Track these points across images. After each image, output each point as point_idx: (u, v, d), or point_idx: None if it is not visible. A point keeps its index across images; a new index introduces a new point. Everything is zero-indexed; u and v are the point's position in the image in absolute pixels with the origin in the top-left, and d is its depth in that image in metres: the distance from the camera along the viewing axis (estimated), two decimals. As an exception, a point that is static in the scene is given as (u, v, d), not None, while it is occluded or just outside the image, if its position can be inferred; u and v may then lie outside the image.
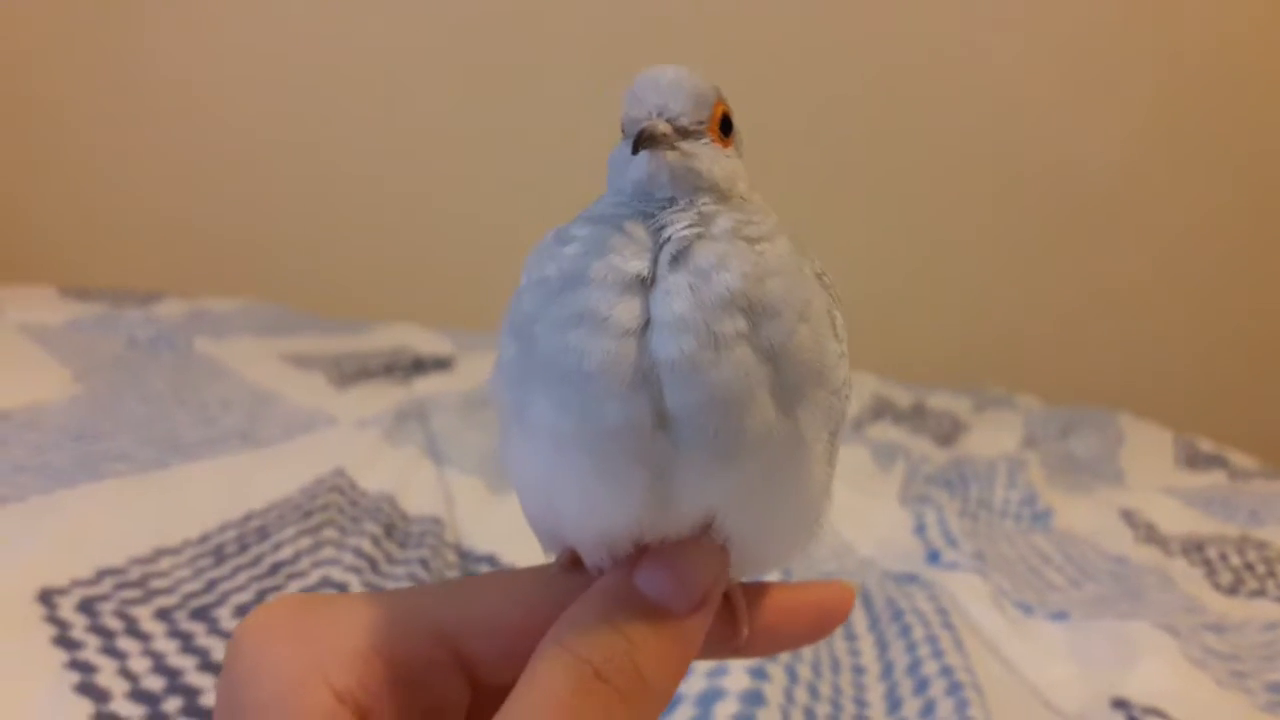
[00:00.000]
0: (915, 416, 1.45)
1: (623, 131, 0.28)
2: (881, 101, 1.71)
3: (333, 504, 0.85)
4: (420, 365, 1.34)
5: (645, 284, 0.25)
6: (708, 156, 0.27)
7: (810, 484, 0.27)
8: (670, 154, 0.27)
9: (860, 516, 0.99)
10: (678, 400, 0.25)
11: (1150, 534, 1.05)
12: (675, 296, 0.25)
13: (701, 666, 0.60)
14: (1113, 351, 1.81)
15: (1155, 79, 1.68)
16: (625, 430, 0.25)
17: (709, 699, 0.58)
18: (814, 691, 0.64)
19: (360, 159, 1.81)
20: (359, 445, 0.99)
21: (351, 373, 1.25)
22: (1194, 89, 1.68)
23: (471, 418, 1.13)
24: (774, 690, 0.59)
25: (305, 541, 0.78)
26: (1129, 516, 1.09)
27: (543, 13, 1.69)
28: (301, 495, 0.86)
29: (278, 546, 0.77)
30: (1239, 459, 1.38)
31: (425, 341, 1.45)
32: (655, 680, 0.25)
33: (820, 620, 0.31)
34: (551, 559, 0.31)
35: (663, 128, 0.27)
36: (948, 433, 1.40)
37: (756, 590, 0.31)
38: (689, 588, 0.26)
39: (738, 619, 0.30)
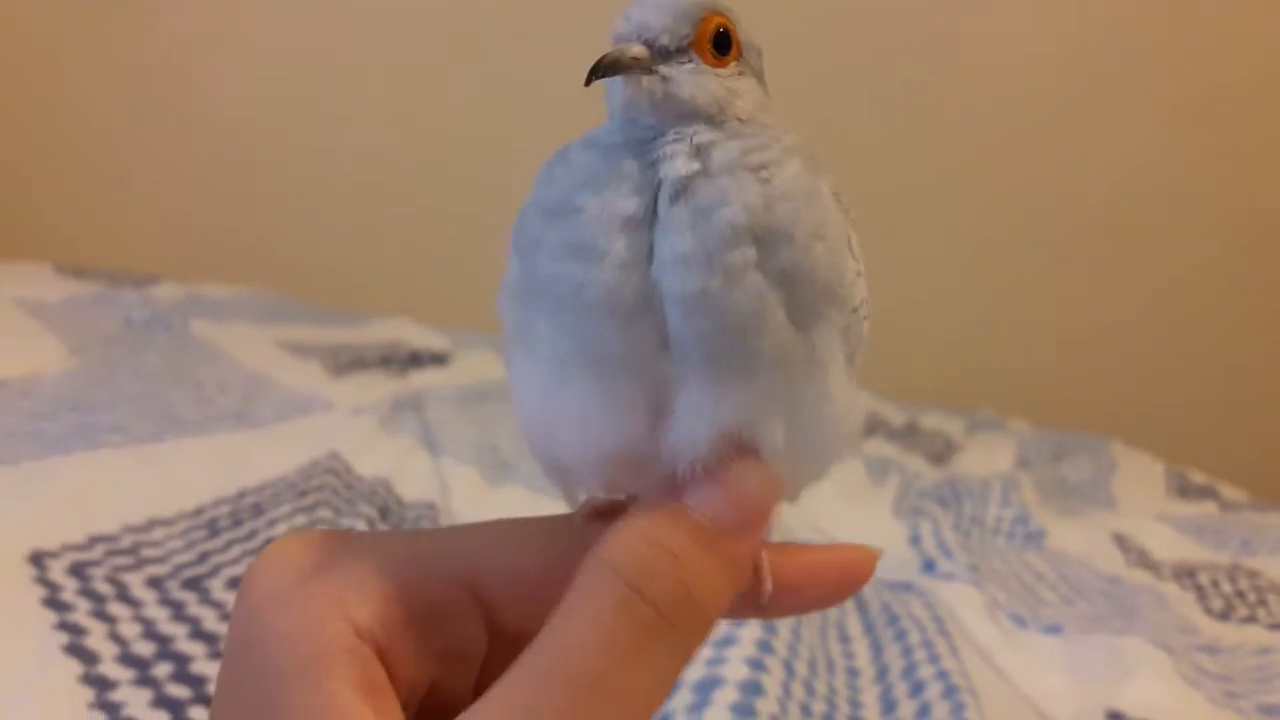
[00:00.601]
0: (908, 435, 1.45)
1: None
2: (880, 124, 1.72)
3: (327, 485, 0.84)
4: (416, 359, 1.33)
5: (645, 220, 0.25)
6: (690, 81, 0.26)
7: (830, 401, 0.26)
8: (646, 79, 0.26)
9: (854, 526, 0.99)
10: (686, 327, 0.24)
11: (1142, 558, 1.05)
12: (678, 234, 0.24)
13: (700, 654, 0.60)
14: (1105, 382, 1.81)
15: (1160, 114, 1.69)
16: (626, 355, 0.25)
17: (708, 686, 0.57)
18: (810, 689, 0.64)
19: (360, 154, 1.80)
20: (354, 431, 0.98)
21: (347, 362, 1.24)
22: (1199, 126, 1.69)
23: (467, 411, 1.12)
24: (772, 682, 0.59)
25: (300, 519, 0.77)
26: (1121, 541, 1.09)
27: (545, 9, 1.69)
28: (296, 475, 0.85)
29: (272, 523, 0.76)
30: (1229, 491, 1.38)
31: (422, 337, 1.44)
32: (703, 602, 0.24)
33: (842, 581, 0.31)
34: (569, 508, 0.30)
35: (634, 52, 0.25)
36: (940, 452, 1.40)
37: (779, 548, 0.30)
38: (742, 502, 0.25)
39: (761, 574, 0.29)
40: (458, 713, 0.29)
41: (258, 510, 0.78)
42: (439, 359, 1.35)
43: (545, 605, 0.28)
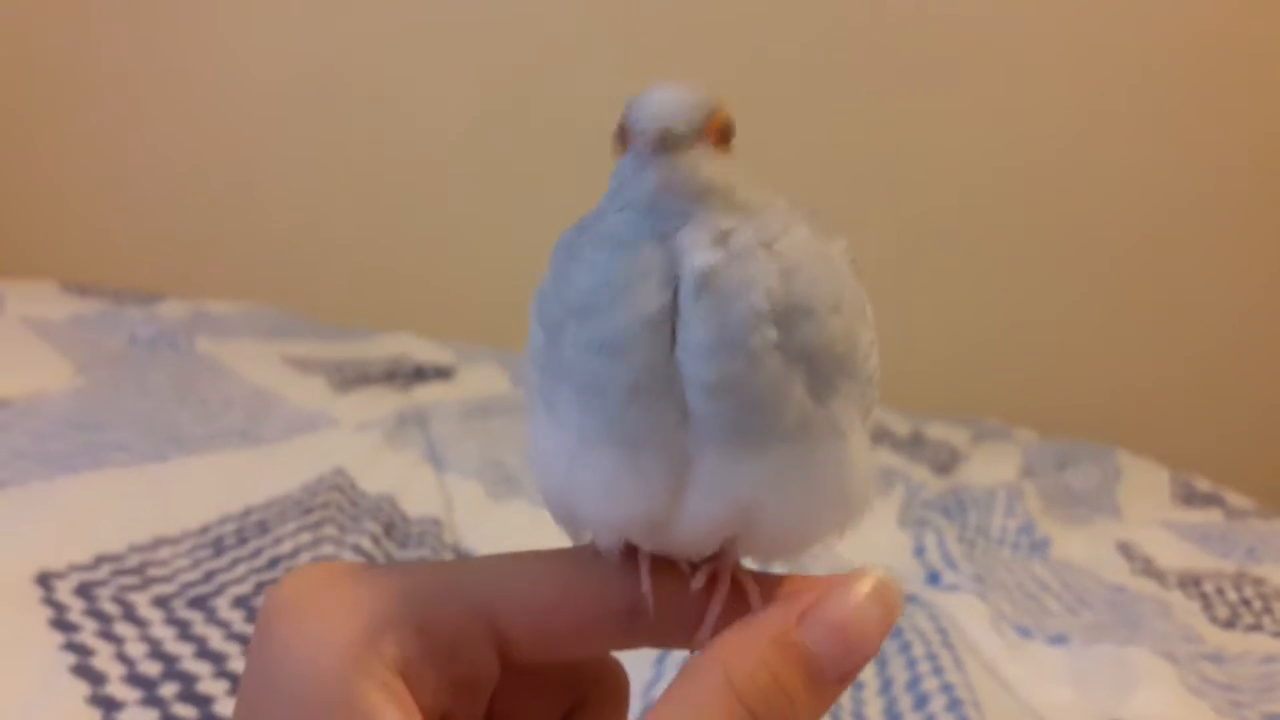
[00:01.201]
0: (913, 445, 1.45)
1: (619, 144, 0.28)
2: (883, 129, 1.72)
3: (333, 502, 0.84)
4: (421, 373, 1.34)
5: (669, 311, 0.25)
6: (711, 166, 0.27)
7: (849, 468, 0.27)
8: (682, 161, 0.26)
9: (860, 537, 0.96)
10: (708, 408, 0.25)
11: (1147, 567, 1.05)
12: (702, 326, 0.25)
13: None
14: (1110, 390, 1.81)
15: (1167, 123, 1.69)
16: (652, 432, 0.25)
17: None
18: (814, 702, 0.64)
19: (363, 169, 1.81)
20: (359, 447, 0.99)
21: (352, 378, 1.24)
22: (1205, 135, 1.69)
23: (472, 426, 1.13)
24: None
25: (305, 537, 0.77)
26: (1126, 549, 1.09)
27: (549, 28, 1.70)
28: (302, 492, 0.85)
29: (278, 541, 0.76)
30: (1235, 498, 1.38)
31: (426, 351, 1.45)
32: None
33: None
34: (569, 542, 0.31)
35: (679, 132, 0.26)
36: (945, 462, 1.40)
37: (773, 578, 0.31)
38: (851, 650, 0.26)
39: (750, 600, 0.30)
40: None
41: (263, 528, 0.78)
42: (443, 373, 1.36)
43: (556, 634, 0.28)
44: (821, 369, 0.26)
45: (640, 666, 0.64)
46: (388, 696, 0.25)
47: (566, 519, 0.29)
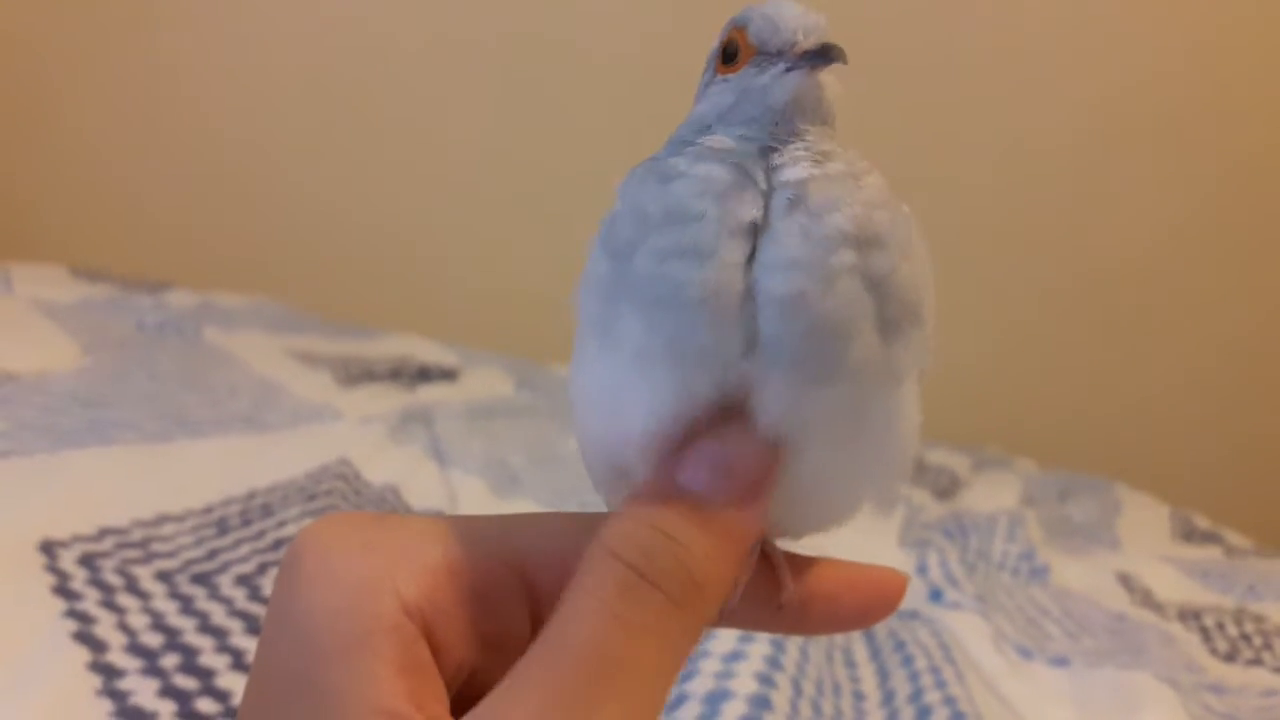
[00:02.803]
0: (914, 469, 1.45)
1: (725, 61, 0.28)
2: (881, 158, 1.73)
3: (336, 490, 0.84)
4: (426, 374, 1.33)
5: (756, 225, 0.25)
6: (833, 86, 0.27)
7: (900, 420, 0.27)
8: (824, 76, 0.27)
9: (861, 553, 0.97)
10: (778, 328, 0.24)
11: (1147, 598, 1.05)
12: (789, 238, 0.25)
13: (708, 668, 0.60)
14: (1111, 425, 1.81)
15: (1178, 151, 1.70)
16: (713, 352, 0.25)
17: (716, 699, 0.57)
18: (817, 708, 0.63)
19: (371, 171, 1.81)
20: (364, 439, 0.98)
21: (357, 374, 1.24)
22: (1213, 169, 1.70)
23: (475, 426, 1.12)
24: (780, 698, 0.59)
25: (308, 521, 0.77)
26: (1126, 580, 1.09)
27: (557, 30, 1.70)
28: (306, 479, 0.85)
29: (281, 524, 0.76)
30: (1234, 537, 1.38)
31: (431, 352, 1.44)
32: (707, 581, 0.24)
33: (873, 600, 0.30)
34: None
35: (826, 43, 0.26)
36: (946, 487, 1.40)
37: (804, 559, 0.30)
38: (732, 475, 0.25)
39: (779, 574, 0.29)
40: None
41: (267, 511, 0.78)
42: (448, 374, 1.36)
43: None
44: (889, 310, 0.25)
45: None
46: (388, 639, 0.24)
47: (607, 469, 0.29)
